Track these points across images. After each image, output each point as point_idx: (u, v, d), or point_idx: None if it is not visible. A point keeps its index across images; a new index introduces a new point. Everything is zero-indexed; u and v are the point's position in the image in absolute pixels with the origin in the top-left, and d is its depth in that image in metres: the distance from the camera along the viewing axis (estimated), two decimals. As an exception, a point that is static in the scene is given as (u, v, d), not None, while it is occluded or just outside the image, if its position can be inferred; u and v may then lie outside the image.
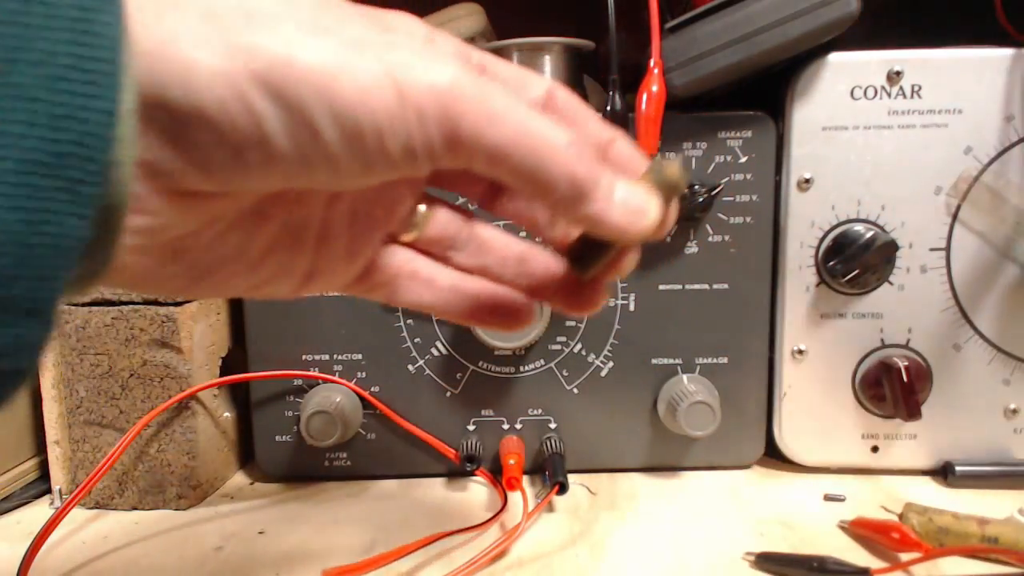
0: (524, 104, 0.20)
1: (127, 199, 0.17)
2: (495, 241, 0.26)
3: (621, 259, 0.25)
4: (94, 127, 0.15)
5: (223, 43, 0.17)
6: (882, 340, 0.47)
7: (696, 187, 0.44)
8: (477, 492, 0.47)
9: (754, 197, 0.46)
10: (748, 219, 0.46)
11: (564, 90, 0.25)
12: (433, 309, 0.27)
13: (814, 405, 0.47)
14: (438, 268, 0.27)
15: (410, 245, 0.26)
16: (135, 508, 0.45)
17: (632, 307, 0.47)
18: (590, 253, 0.24)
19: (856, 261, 0.44)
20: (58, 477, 0.46)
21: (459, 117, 0.19)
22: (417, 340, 0.47)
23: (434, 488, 0.48)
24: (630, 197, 0.21)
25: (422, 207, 0.26)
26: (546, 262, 0.26)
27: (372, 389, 0.48)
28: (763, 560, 0.37)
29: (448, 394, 0.48)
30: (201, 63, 0.17)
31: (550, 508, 0.44)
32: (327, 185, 0.20)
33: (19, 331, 0.15)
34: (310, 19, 0.18)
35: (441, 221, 0.26)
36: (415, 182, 0.25)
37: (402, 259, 0.26)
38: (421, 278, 0.26)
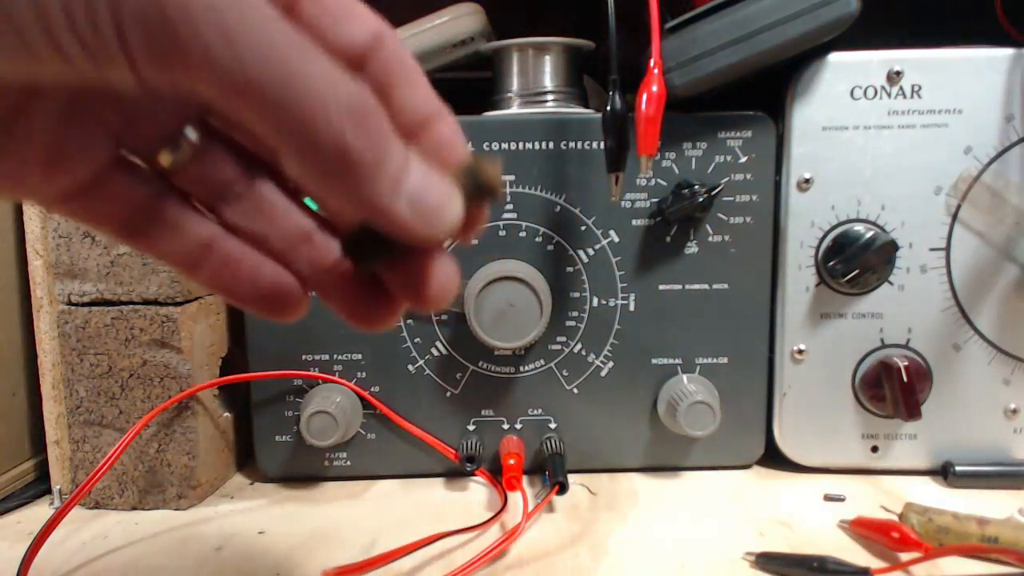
0: (300, 34, 0.15)
1: None
2: (276, 206, 0.21)
3: (415, 264, 0.20)
4: None
5: None
6: (882, 340, 0.47)
7: (696, 187, 0.44)
8: (477, 492, 0.47)
9: (754, 197, 0.46)
10: (748, 219, 0.46)
11: (397, 41, 0.20)
12: (181, 267, 0.21)
13: (814, 405, 0.47)
14: (195, 217, 0.21)
15: (168, 177, 0.21)
16: (135, 508, 0.45)
17: (632, 307, 0.47)
18: (368, 243, 0.20)
19: (856, 261, 0.44)
20: (58, 477, 0.46)
21: (188, 29, 0.14)
22: (417, 340, 0.47)
23: (434, 488, 0.48)
24: (425, 189, 0.18)
25: (191, 131, 0.20)
26: (334, 250, 0.21)
27: (372, 389, 0.48)
28: (763, 560, 0.37)
29: (448, 394, 0.48)
30: None
31: (550, 508, 0.44)
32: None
33: None
34: None
35: (213, 158, 0.21)
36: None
37: (146, 192, 0.20)
38: (166, 221, 0.20)
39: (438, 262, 0.20)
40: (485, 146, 0.45)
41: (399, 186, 0.17)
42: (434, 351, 0.47)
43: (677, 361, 0.48)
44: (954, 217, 0.45)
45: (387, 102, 0.20)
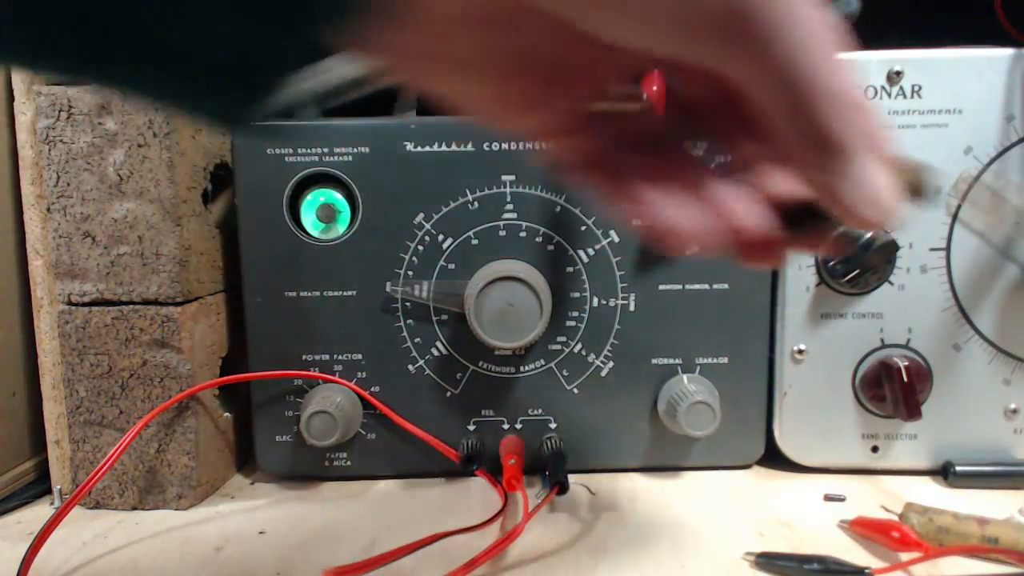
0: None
1: None
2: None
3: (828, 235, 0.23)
4: None
5: None
6: (882, 340, 0.47)
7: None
8: (477, 492, 0.47)
9: (754, 197, 0.46)
10: (748, 219, 0.46)
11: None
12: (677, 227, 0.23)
13: (814, 405, 0.47)
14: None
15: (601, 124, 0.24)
16: (135, 508, 0.45)
17: (632, 307, 0.47)
18: (808, 219, 0.22)
19: (856, 261, 0.44)
20: (58, 477, 0.46)
21: (757, 11, 0.17)
22: (417, 340, 0.47)
23: (434, 488, 0.48)
24: (881, 183, 0.20)
25: (637, 88, 0.24)
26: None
27: (372, 389, 0.48)
28: (763, 560, 0.37)
29: (448, 394, 0.48)
30: None
31: (550, 508, 0.44)
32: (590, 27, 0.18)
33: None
34: None
35: (648, 121, 0.24)
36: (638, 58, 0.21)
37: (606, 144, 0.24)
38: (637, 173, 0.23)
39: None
40: (485, 146, 0.45)
41: (866, 174, 0.19)
42: (434, 351, 0.47)
43: (677, 361, 0.48)
44: (954, 217, 0.45)
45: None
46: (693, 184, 0.23)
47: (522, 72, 0.22)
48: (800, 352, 0.47)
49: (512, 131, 0.24)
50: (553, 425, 0.48)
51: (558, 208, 0.46)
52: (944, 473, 0.47)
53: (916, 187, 0.21)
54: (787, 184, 0.23)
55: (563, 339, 0.48)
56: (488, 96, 0.23)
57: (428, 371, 0.48)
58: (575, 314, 0.47)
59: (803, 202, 0.22)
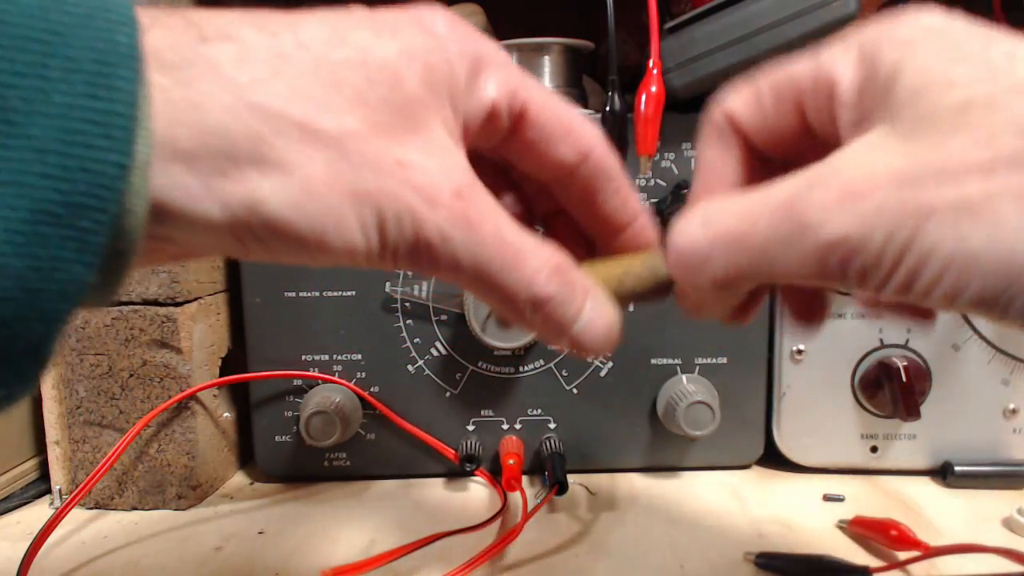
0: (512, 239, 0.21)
1: (137, 244, 0.17)
2: None
3: None
4: (106, 179, 0.15)
5: (225, 191, 0.18)
6: (881, 340, 0.47)
7: (695, 187, 0.44)
8: (476, 492, 0.47)
9: (753, 197, 0.46)
10: (747, 219, 0.46)
11: (606, 148, 0.25)
12: None
13: (813, 405, 0.47)
14: None
15: None
16: (135, 508, 0.45)
17: (631, 307, 0.47)
18: None
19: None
20: (58, 477, 0.46)
21: (438, 254, 0.20)
22: (417, 340, 0.47)
23: (433, 488, 0.48)
24: (587, 331, 0.22)
25: None
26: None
27: (372, 389, 0.48)
28: (763, 560, 0.37)
29: (448, 394, 0.48)
30: (202, 215, 0.18)
31: (549, 508, 0.44)
32: None
33: (18, 367, 0.16)
34: (318, 157, 0.19)
35: None
36: None
37: None
38: None
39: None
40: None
41: (566, 333, 0.22)
42: (434, 351, 0.47)
43: (676, 361, 0.48)
44: (953, 217, 0.45)
45: (590, 206, 0.26)
46: None
47: None
48: (799, 352, 0.47)
49: None
50: (552, 425, 0.48)
51: (557, 208, 0.46)
52: (943, 473, 0.47)
53: (648, 298, 0.24)
54: None
55: (562, 339, 0.47)
56: None
57: (428, 371, 0.48)
58: (574, 314, 0.47)
59: None
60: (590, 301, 0.23)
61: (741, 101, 0.25)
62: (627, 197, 0.26)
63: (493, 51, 0.23)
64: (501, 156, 0.25)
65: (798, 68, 0.23)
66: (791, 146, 0.24)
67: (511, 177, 0.27)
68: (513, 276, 0.21)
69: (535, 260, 0.21)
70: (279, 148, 0.18)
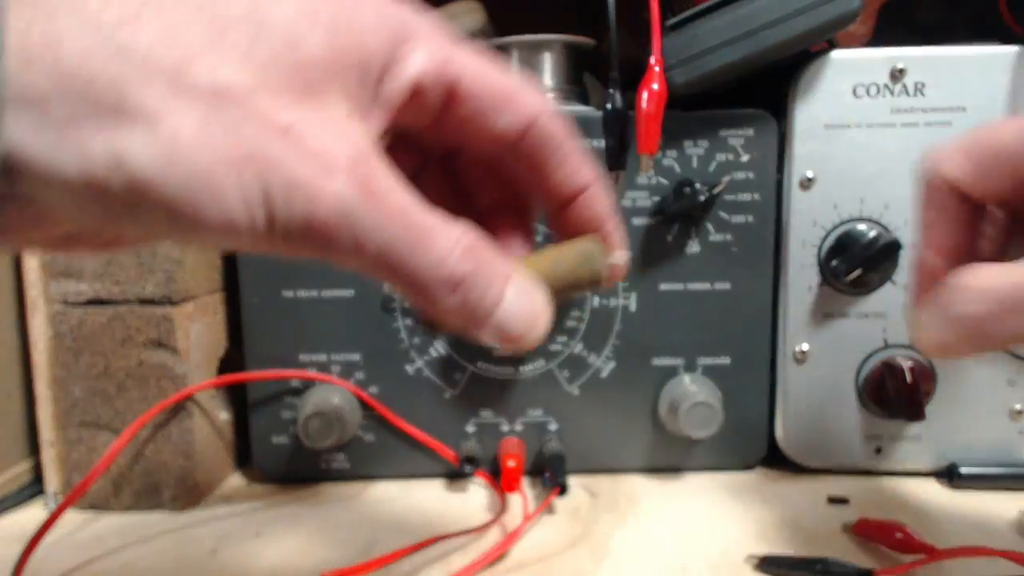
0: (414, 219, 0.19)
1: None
2: None
3: None
4: None
5: (82, 145, 0.16)
6: (885, 340, 0.46)
7: (697, 186, 0.44)
8: (476, 494, 0.47)
9: (756, 196, 0.46)
10: (750, 218, 0.46)
11: (553, 114, 0.24)
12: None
13: (817, 406, 0.47)
14: None
15: None
16: (130, 510, 0.45)
17: (633, 307, 0.47)
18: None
19: (859, 260, 0.44)
20: (52, 479, 0.45)
21: (335, 233, 0.18)
22: (416, 340, 0.47)
23: (433, 490, 0.47)
24: (510, 319, 0.21)
25: None
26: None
27: (370, 390, 0.47)
28: (766, 563, 0.37)
29: (447, 395, 0.48)
30: (57, 170, 0.16)
31: (550, 510, 0.44)
32: None
33: None
34: (191, 112, 0.17)
35: None
36: None
37: None
38: None
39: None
40: (484, 144, 0.45)
41: (487, 321, 0.21)
42: (433, 352, 0.47)
43: (678, 361, 0.47)
44: (958, 216, 0.45)
45: (540, 177, 0.24)
46: None
47: None
48: (802, 352, 0.47)
49: None
50: (553, 426, 0.48)
51: (558, 207, 0.46)
52: (948, 475, 0.46)
53: (584, 285, 0.23)
54: None
55: (563, 339, 0.47)
56: None
57: (427, 372, 0.47)
58: (576, 314, 0.47)
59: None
60: (512, 286, 0.21)
61: (958, 169, 0.27)
62: (578, 164, 0.24)
63: (418, 21, 0.21)
64: (438, 137, 0.24)
65: (1011, 137, 0.26)
66: (1013, 199, 0.27)
67: (447, 166, 0.26)
68: (423, 258, 0.19)
69: (445, 239, 0.20)
70: (146, 97, 0.16)
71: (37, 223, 0.19)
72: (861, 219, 0.45)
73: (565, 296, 0.24)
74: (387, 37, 0.20)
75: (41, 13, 0.15)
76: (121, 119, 0.16)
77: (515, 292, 0.21)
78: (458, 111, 0.22)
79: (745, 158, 0.45)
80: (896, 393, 0.44)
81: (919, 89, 0.44)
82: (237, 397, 0.50)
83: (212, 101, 0.17)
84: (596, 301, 0.47)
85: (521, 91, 0.23)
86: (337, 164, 0.18)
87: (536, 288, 0.22)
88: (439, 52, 0.21)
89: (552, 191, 0.25)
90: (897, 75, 0.44)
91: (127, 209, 0.17)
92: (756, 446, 0.48)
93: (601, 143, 0.43)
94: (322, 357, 0.47)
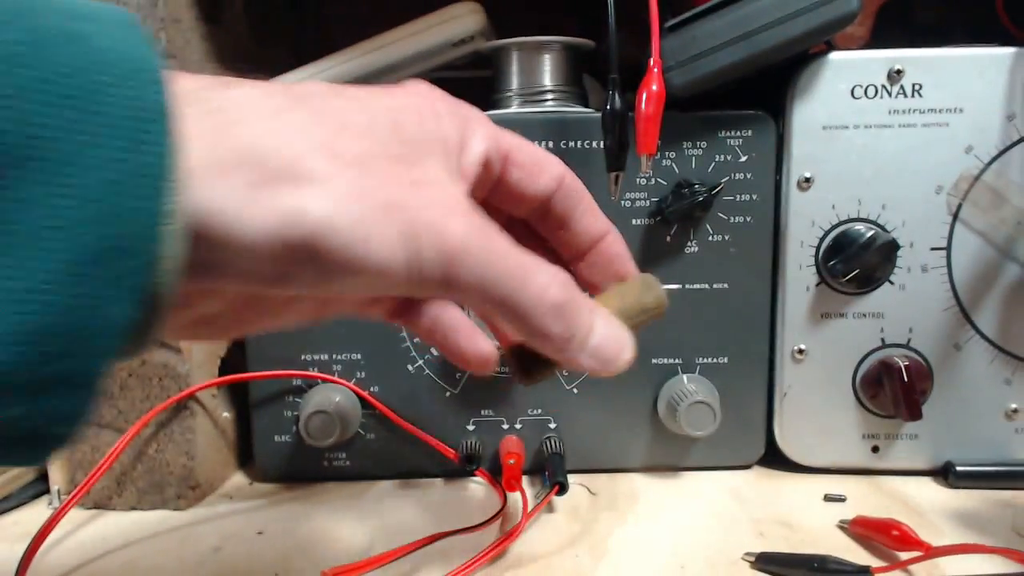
0: (520, 255, 0.23)
1: (172, 290, 0.18)
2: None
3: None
4: (140, 225, 0.17)
5: (268, 205, 0.19)
6: (883, 340, 0.46)
7: (696, 186, 0.44)
8: (476, 492, 0.47)
9: (754, 196, 0.46)
10: (748, 218, 0.46)
11: (573, 177, 0.28)
12: (423, 335, 0.31)
13: (814, 405, 0.47)
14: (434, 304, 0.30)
15: None
16: (134, 508, 0.45)
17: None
18: (537, 366, 0.27)
19: (856, 260, 0.44)
20: (56, 477, 0.46)
21: (460, 269, 0.21)
22: (416, 340, 0.47)
23: (433, 488, 0.48)
24: (604, 344, 0.24)
25: None
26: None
27: (371, 389, 0.47)
28: (763, 560, 0.37)
29: (447, 394, 0.48)
30: (247, 230, 0.19)
31: (550, 508, 0.44)
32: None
33: (66, 403, 0.17)
34: (346, 173, 0.20)
35: None
36: None
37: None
38: (415, 307, 0.30)
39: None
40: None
41: (584, 346, 0.24)
42: (433, 351, 0.47)
43: (677, 361, 0.48)
44: (955, 216, 0.45)
45: (566, 227, 0.29)
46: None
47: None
48: (800, 352, 0.47)
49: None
50: (553, 425, 0.48)
51: (558, 207, 0.46)
52: (945, 473, 0.47)
53: (650, 307, 0.27)
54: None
55: (563, 339, 0.47)
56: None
57: (427, 371, 0.47)
58: (575, 314, 0.47)
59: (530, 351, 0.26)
60: (598, 316, 0.25)
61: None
62: (596, 213, 0.29)
63: (473, 111, 0.26)
64: (490, 203, 0.28)
65: None
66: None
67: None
68: (530, 290, 0.22)
69: (544, 274, 0.23)
70: (315, 164, 0.20)
71: (191, 300, 0.23)
72: (859, 219, 0.45)
73: (635, 325, 0.27)
74: (458, 123, 0.24)
75: (213, 110, 0.19)
76: (296, 182, 0.19)
77: (602, 321, 0.25)
78: (510, 177, 0.27)
79: (743, 159, 0.46)
80: (893, 392, 0.45)
81: (917, 90, 0.44)
82: (239, 396, 0.50)
83: (358, 166, 0.20)
84: (595, 301, 0.47)
85: (549, 157, 0.28)
86: (456, 209, 0.22)
87: (615, 317, 0.26)
88: (493, 133, 0.26)
89: (578, 237, 0.29)
90: (895, 76, 0.44)
91: (297, 262, 0.19)
92: (754, 445, 0.49)
93: (601, 144, 0.44)
94: (323, 356, 0.47)
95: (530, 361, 0.26)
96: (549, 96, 0.48)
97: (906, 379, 0.44)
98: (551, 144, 0.45)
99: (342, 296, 0.28)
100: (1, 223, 0.15)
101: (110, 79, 0.17)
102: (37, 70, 0.16)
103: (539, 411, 0.48)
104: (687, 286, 0.47)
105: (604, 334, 0.25)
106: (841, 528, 0.41)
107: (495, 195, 0.28)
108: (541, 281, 0.23)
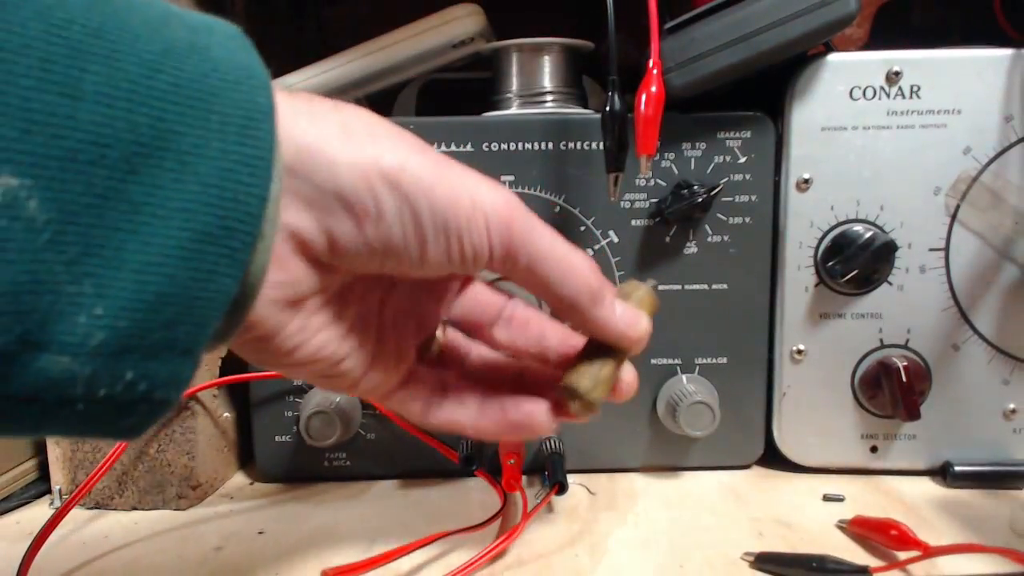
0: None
1: (267, 265, 0.21)
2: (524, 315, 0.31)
3: (619, 376, 0.30)
4: (251, 208, 0.20)
5: (357, 149, 0.23)
6: (881, 340, 0.47)
7: (695, 187, 0.44)
8: (476, 492, 0.47)
9: (753, 197, 0.46)
10: (747, 219, 0.46)
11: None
12: (463, 427, 0.30)
13: (813, 405, 0.47)
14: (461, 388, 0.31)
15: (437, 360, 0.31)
16: (135, 508, 0.45)
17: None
18: (591, 357, 0.29)
19: (855, 261, 0.44)
20: (58, 477, 0.46)
21: (512, 226, 0.24)
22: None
23: (433, 488, 0.48)
24: (626, 309, 0.28)
25: (439, 332, 0.31)
26: (562, 335, 0.30)
27: (372, 389, 0.47)
28: (762, 560, 0.37)
29: (447, 394, 0.48)
30: (342, 158, 0.22)
31: (549, 508, 0.44)
32: (404, 269, 0.25)
33: (175, 367, 0.19)
34: (411, 142, 0.24)
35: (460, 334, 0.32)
36: (439, 307, 0.30)
37: (435, 377, 0.31)
38: (450, 394, 0.30)
39: (629, 368, 0.31)
40: (484, 146, 0.46)
41: (615, 307, 0.28)
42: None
43: (676, 361, 0.48)
44: (953, 217, 0.45)
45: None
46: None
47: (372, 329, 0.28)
48: (799, 352, 0.47)
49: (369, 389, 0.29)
50: (552, 425, 0.48)
51: (557, 208, 0.46)
52: (943, 473, 0.47)
53: (649, 305, 0.30)
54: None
55: (562, 339, 0.47)
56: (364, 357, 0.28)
57: (427, 371, 0.48)
58: (574, 314, 0.47)
59: (581, 352, 0.29)
60: (618, 302, 0.28)
61: None
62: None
63: None
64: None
65: None
66: None
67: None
68: (576, 277, 0.26)
69: (583, 260, 0.26)
70: (384, 135, 0.24)
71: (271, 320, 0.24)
72: (857, 220, 0.45)
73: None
74: None
75: (306, 108, 0.23)
76: (376, 139, 0.23)
77: (618, 301, 0.28)
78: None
79: (742, 160, 0.46)
80: (891, 392, 0.45)
81: (915, 92, 0.44)
82: (240, 396, 0.50)
83: (434, 160, 0.24)
84: (595, 301, 0.47)
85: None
86: (511, 201, 0.25)
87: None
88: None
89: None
90: (893, 78, 0.44)
91: (387, 184, 0.23)
92: (753, 445, 0.49)
93: (600, 145, 0.44)
94: (324, 357, 0.47)
95: (583, 355, 0.29)
96: (549, 97, 0.48)
97: (904, 379, 0.44)
98: (550, 145, 0.45)
99: (426, 276, 0.28)
100: (134, 205, 0.18)
101: (226, 84, 0.20)
102: (170, 76, 0.19)
103: (539, 411, 0.48)
104: (686, 287, 0.47)
105: (623, 303, 0.28)
106: (840, 528, 0.41)
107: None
108: (583, 267, 0.26)
